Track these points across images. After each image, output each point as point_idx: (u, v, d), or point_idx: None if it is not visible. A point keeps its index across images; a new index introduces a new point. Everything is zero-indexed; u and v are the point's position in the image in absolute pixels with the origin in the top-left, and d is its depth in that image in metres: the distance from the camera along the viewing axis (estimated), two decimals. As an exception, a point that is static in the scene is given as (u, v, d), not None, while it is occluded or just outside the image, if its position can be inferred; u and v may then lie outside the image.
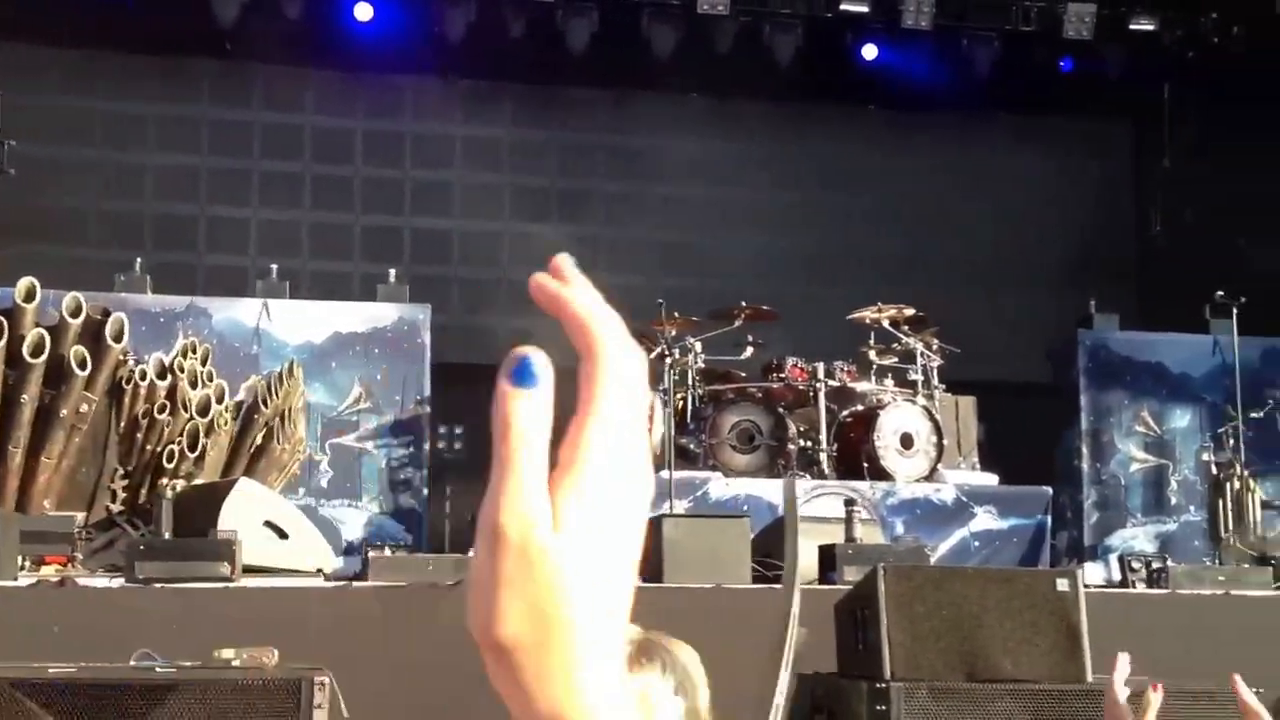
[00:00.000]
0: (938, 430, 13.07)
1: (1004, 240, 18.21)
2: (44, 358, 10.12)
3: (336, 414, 15.03)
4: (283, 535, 9.64)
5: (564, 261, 1.11)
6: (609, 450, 1.03)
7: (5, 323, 10.12)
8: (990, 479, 13.80)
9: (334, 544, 12.04)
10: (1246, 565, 11.38)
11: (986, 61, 17.72)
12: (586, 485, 1.02)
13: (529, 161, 18.29)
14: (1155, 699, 3.70)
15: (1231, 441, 14.85)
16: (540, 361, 1.05)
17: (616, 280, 16.26)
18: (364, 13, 17.07)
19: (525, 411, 1.02)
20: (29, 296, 10.28)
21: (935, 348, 13.67)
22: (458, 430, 16.58)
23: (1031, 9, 17.41)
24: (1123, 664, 3.79)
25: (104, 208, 17.34)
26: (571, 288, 1.09)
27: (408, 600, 8.14)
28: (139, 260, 15.20)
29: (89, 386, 10.39)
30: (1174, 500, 16.33)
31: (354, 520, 14.80)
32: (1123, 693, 3.75)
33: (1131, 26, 17.35)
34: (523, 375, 1.04)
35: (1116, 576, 10.44)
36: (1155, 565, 9.68)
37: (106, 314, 10.73)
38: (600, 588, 1.01)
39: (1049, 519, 13.58)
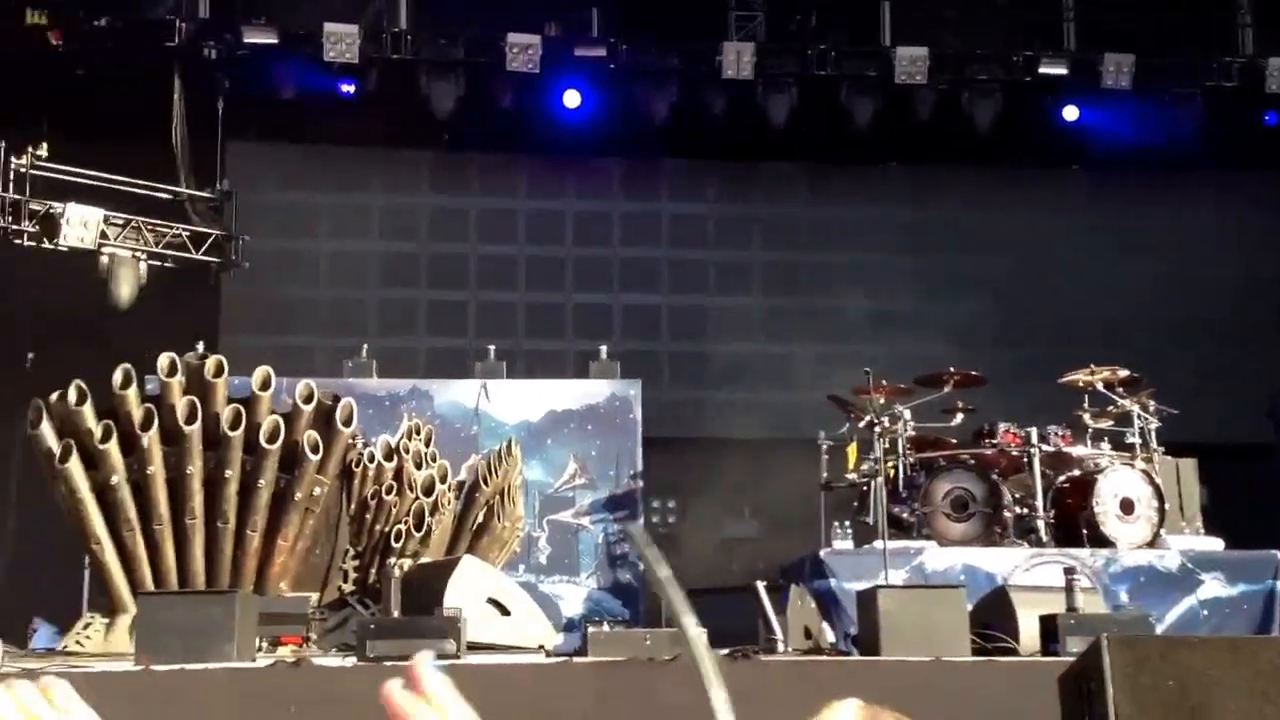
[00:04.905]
0: (1159, 494, 12.69)
1: (1216, 298, 17.87)
2: (279, 444, 10.49)
3: (553, 490, 15.31)
4: (505, 612, 9.84)
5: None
6: None
7: (244, 411, 10.52)
8: (1216, 544, 13.25)
9: (554, 620, 12.19)
10: None
11: (1189, 119, 17.55)
12: None
13: (732, 236, 18.55)
14: None
15: None
16: None
17: (821, 349, 16.55)
18: (572, 99, 17.51)
19: None
20: (265, 385, 10.72)
21: (1152, 409, 13.24)
22: (670, 504, 16.75)
23: (1233, 65, 17.23)
24: None
25: (331, 296, 17.96)
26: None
27: (626, 675, 8.20)
28: (365, 346, 15.71)
29: (321, 470, 10.73)
30: None
31: (572, 596, 15.03)
32: None
33: (1338, 79, 16.99)
34: None
35: (1355, 644, 10.00)
36: (1389, 629, 9.33)
37: (336, 399, 11.09)
38: None
39: (1279, 584, 13.12)
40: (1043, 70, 17.12)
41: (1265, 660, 6.35)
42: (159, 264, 15.91)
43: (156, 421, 10.40)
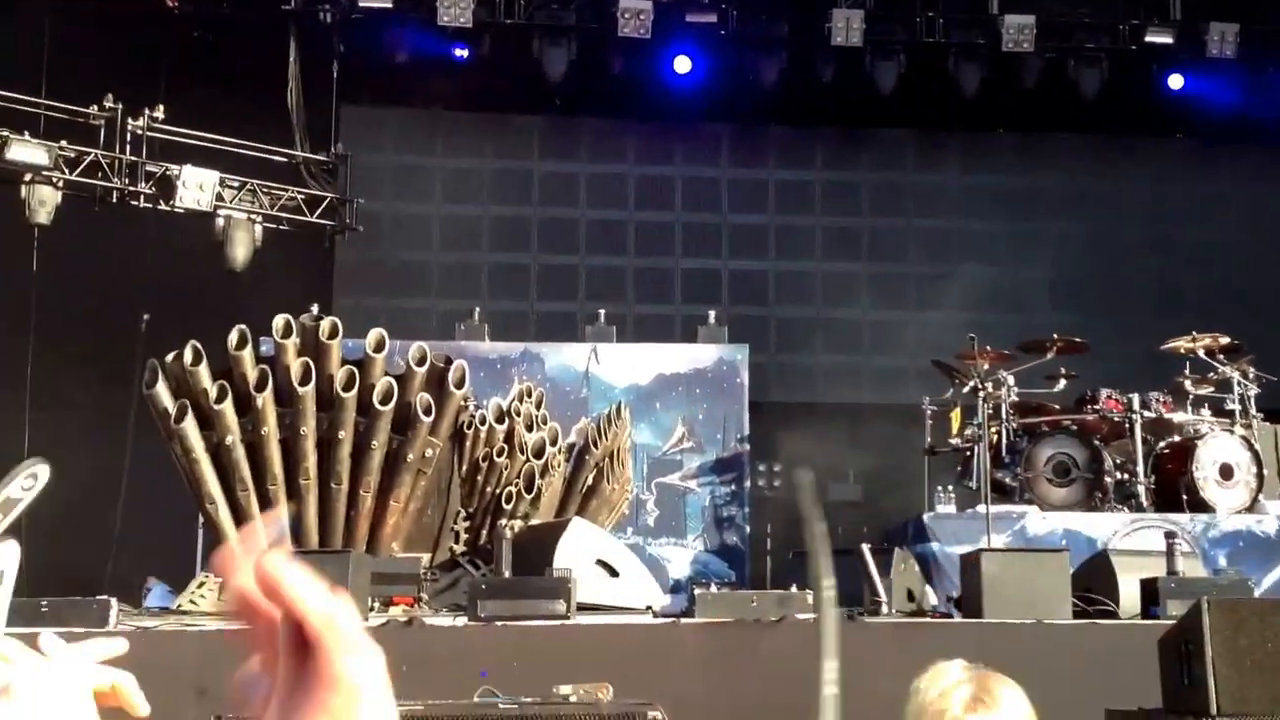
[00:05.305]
0: (1258, 460, 12.74)
1: (1318, 267, 17.71)
2: (392, 405, 10.67)
3: (661, 454, 15.46)
4: (614, 573, 9.96)
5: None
6: None
7: (356, 372, 10.73)
8: (1314, 508, 13.32)
9: (661, 581, 12.33)
10: None
11: (1294, 88, 17.34)
12: None
13: (840, 202, 18.59)
14: None
15: None
16: None
17: (928, 316, 16.55)
18: (683, 65, 17.59)
19: None
20: (379, 347, 10.91)
21: (1252, 376, 13.25)
22: (776, 467, 16.85)
23: (1340, 32, 16.97)
24: None
25: (444, 259, 18.17)
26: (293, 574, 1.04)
27: (733, 636, 8.33)
28: (477, 309, 15.93)
29: (433, 432, 10.89)
30: None
31: (680, 558, 15.19)
32: None
33: None
34: None
35: None
36: None
37: (449, 362, 11.22)
38: None
39: None
40: (1148, 39, 17.02)
41: (1359, 623, 6.39)
42: (274, 226, 16.02)
43: (271, 382, 10.59)
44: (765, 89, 17.45)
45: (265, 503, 10.65)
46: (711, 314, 16.29)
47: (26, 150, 14.28)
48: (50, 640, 1.24)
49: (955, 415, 13.49)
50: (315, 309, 11.52)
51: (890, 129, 18.47)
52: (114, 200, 15.15)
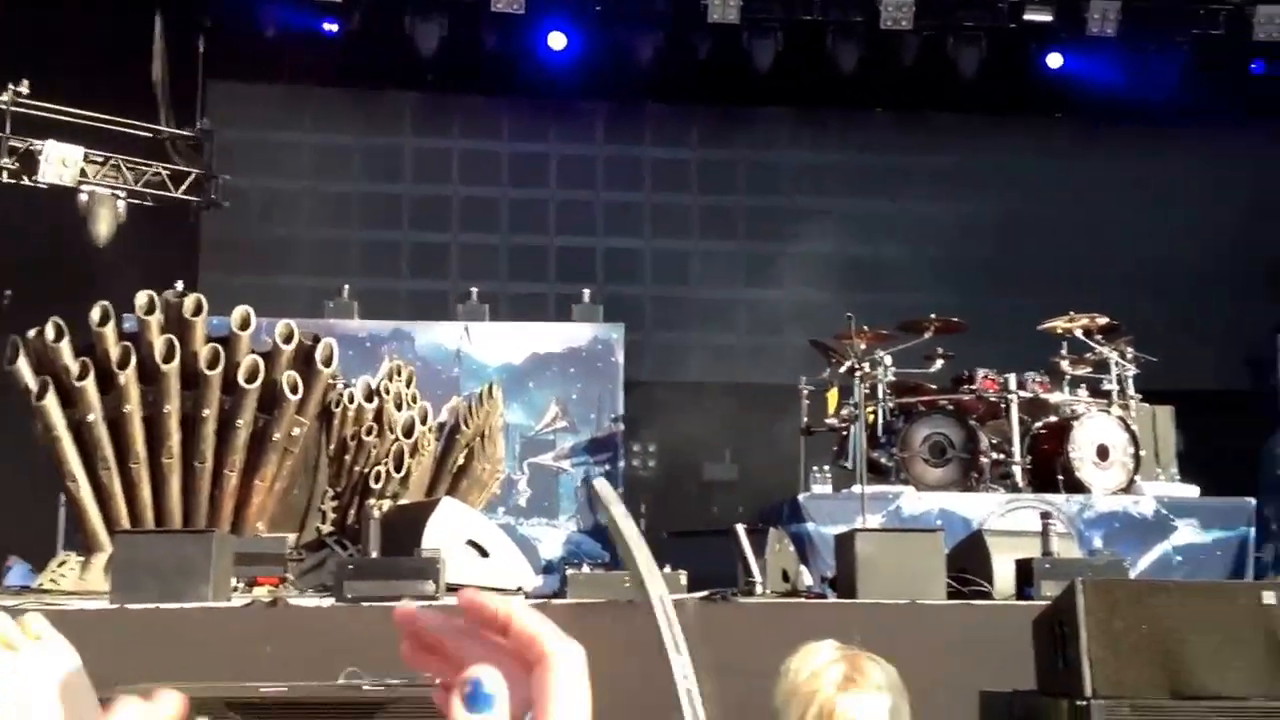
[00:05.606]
0: (1135, 441, 12.77)
1: (1197, 246, 17.86)
2: (258, 383, 10.52)
3: (534, 433, 15.35)
4: (484, 554, 9.87)
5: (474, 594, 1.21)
6: None
7: (222, 350, 10.52)
8: (1191, 491, 13.32)
9: (532, 562, 12.25)
10: None
11: (1175, 66, 17.50)
12: None
13: (717, 181, 18.51)
14: None
15: None
16: (492, 682, 1.13)
17: (804, 295, 16.55)
18: (558, 41, 17.45)
19: None
20: (244, 324, 10.71)
21: (1130, 356, 13.26)
22: (651, 447, 16.81)
23: (1219, 12, 17.07)
24: None
25: (312, 237, 17.92)
26: (513, 604, 1.19)
27: (605, 616, 8.21)
28: (346, 286, 15.71)
29: (300, 411, 10.76)
30: (1389, 509, 15.77)
31: (552, 538, 15.08)
32: None
33: (1326, 24, 16.88)
34: (475, 700, 1.12)
35: (1329, 590, 9.90)
36: (1370, 577, 9.26)
37: (317, 340, 11.09)
38: None
39: (1253, 531, 13.04)
40: (1027, 16, 16.97)
41: (1237, 605, 6.36)
42: (138, 202, 15.85)
43: (134, 359, 10.42)
44: (641, 66, 17.33)
45: (127, 481, 10.48)
46: (586, 293, 16.18)
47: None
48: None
49: (832, 395, 13.44)
50: (180, 285, 11.47)
51: (767, 107, 18.38)
52: (-24, 176, 14.88)
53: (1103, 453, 12.73)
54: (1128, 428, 12.85)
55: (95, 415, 10.43)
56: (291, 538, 10.57)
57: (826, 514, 11.98)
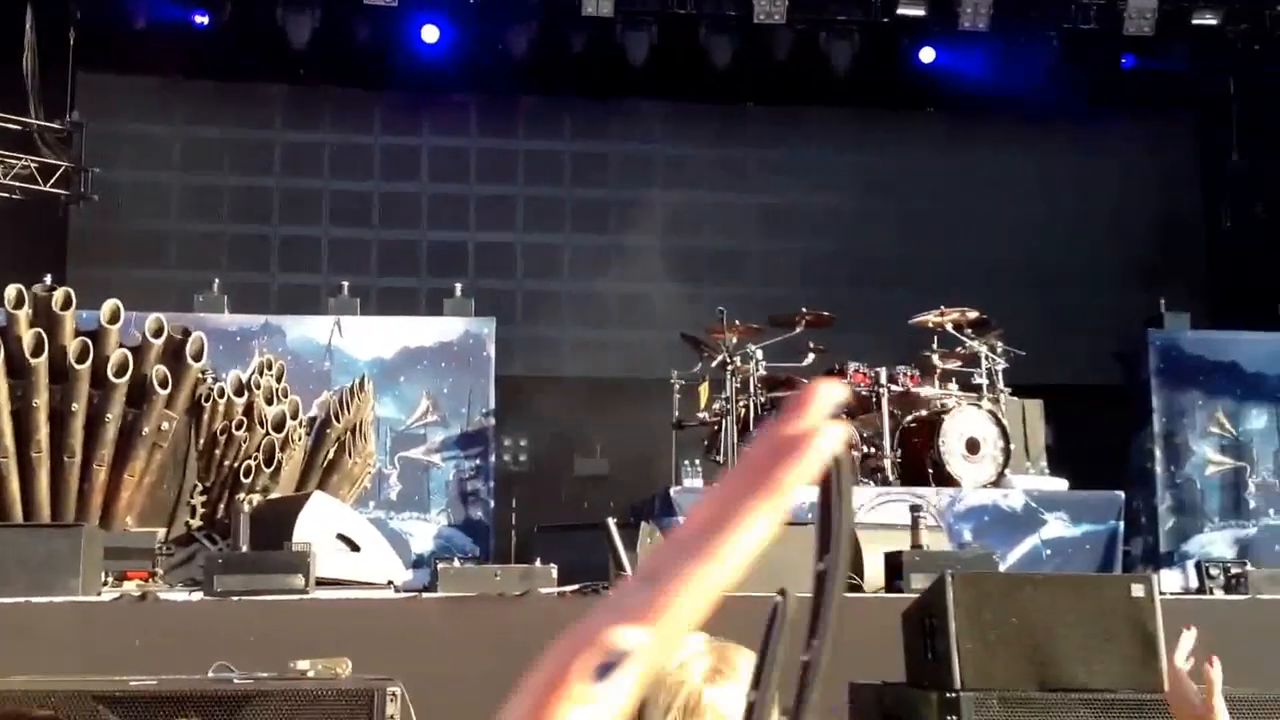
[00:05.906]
0: (1004, 435, 12.85)
1: (1068, 241, 18.08)
2: (127, 377, 10.40)
3: (405, 428, 15.28)
4: (355, 548, 9.78)
5: None
6: None
7: (90, 344, 10.40)
8: (1060, 484, 13.47)
9: (404, 556, 12.18)
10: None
11: (1046, 61, 17.69)
12: None
13: (590, 174, 18.53)
14: (1216, 674, 3.79)
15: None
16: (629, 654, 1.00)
17: (676, 289, 16.54)
18: (430, 34, 17.38)
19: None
20: (113, 318, 10.61)
21: (1000, 351, 13.38)
22: (522, 442, 16.80)
23: (1091, 7, 17.28)
24: (1186, 641, 3.92)
25: (182, 230, 17.70)
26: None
27: (475, 611, 8.21)
28: (216, 280, 15.54)
29: (170, 405, 10.64)
30: (1253, 504, 16.01)
31: (423, 533, 15.01)
32: (1185, 667, 3.87)
33: (1194, 21, 17.19)
34: (608, 672, 0.99)
35: (1194, 584, 9.80)
36: (1234, 571, 9.26)
37: (186, 334, 11.00)
38: None
39: (1122, 524, 13.21)
40: (901, 11, 17.08)
41: (1106, 598, 6.41)
42: (7, 195, 15.71)
43: (2, 354, 10.28)
44: (515, 58, 17.28)
45: (-3, 474, 10.33)
46: (458, 287, 16.09)
47: None
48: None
49: (703, 389, 13.49)
50: (49, 279, 11.31)
51: (641, 100, 18.42)
52: None
53: (973, 446, 12.79)
54: (998, 421, 12.92)
55: (-37, 409, 10.27)
56: (161, 532, 10.42)
57: (698, 507, 11.99)
